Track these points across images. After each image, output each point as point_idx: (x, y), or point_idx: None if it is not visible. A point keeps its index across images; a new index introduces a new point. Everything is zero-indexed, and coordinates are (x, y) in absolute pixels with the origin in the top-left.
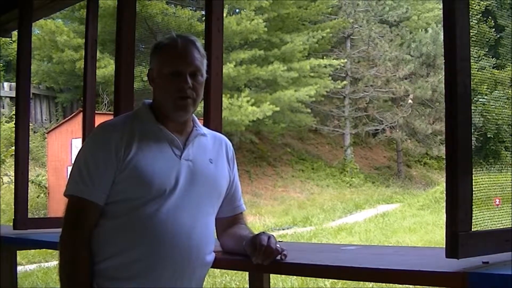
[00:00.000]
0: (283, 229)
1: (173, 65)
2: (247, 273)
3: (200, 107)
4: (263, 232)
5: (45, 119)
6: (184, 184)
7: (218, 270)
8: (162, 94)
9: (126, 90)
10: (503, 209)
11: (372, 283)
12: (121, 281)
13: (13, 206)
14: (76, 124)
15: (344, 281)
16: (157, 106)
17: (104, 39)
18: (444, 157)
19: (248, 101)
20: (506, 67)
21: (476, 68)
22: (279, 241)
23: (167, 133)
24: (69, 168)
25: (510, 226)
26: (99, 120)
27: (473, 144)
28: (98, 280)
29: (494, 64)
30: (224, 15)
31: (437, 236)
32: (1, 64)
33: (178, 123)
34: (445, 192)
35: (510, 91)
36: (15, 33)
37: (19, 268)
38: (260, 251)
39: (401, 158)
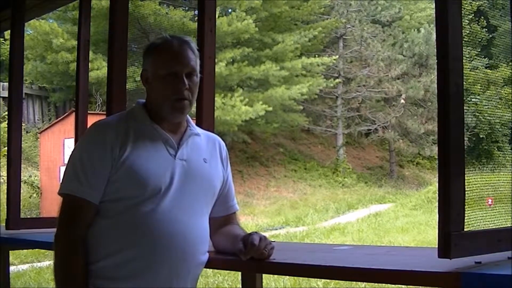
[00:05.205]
0: (276, 229)
1: (169, 66)
2: (239, 273)
3: (193, 107)
4: (255, 232)
5: (37, 119)
6: (178, 184)
7: (211, 270)
8: (158, 96)
9: (119, 90)
10: (496, 209)
11: (364, 283)
12: (116, 281)
13: (5, 206)
14: (68, 124)
15: (337, 281)
16: (151, 106)
17: (97, 39)
18: (437, 157)
19: (241, 101)
20: (499, 67)
21: (468, 68)
22: (272, 241)
23: (161, 133)
24: (62, 168)
25: (502, 226)
26: (91, 120)
27: (465, 144)
28: (93, 280)
29: (486, 64)
30: (216, 16)
31: (430, 236)
32: None
33: (173, 123)
34: (437, 192)
35: (502, 91)
36: (8, 33)
37: (11, 268)
38: (250, 251)
39: (393, 158)
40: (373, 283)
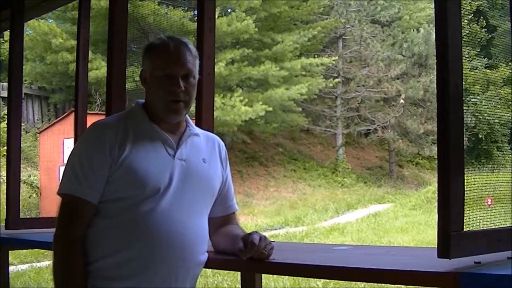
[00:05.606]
0: (275, 229)
1: (165, 68)
2: (239, 273)
3: (192, 107)
4: (256, 232)
5: (37, 119)
6: (177, 184)
7: (210, 270)
8: (154, 97)
9: (118, 90)
10: (495, 209)
11: (364, 283)
12: (115, 281)
13: (5, 206)
14: (68, 124)
15: (336, 281)
16: (150, 106)
17: (96, 39)
18: (436, 157)
19: (241, 101)
20: (498, 67)
21: (468, 68)
22: (271, 241)
23: (160, 133)
24: (61, 168)
25: (502, 226)
26: (91, 120)
27: (465, 144)
28: (92, 280)
29: (486, 64)
30: (216, 16)
31: (429, 236)
32: None
33: (171, 123)
34: (437, 192)
35: (502, 91)
36: (7, 33)
37: (11, 268)
38: (250, 250)
39: (393, 158)
40: (372, 283)
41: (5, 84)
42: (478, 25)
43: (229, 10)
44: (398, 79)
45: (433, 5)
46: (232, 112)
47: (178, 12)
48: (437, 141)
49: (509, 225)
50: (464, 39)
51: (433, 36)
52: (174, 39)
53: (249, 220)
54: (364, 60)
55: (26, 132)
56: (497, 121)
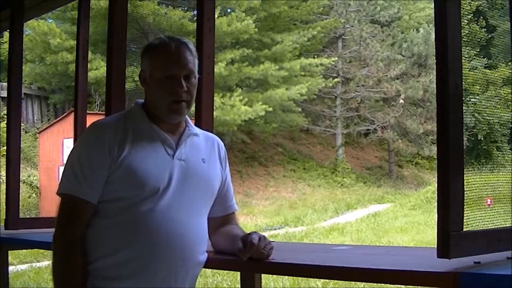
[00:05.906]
0: (275, 229)
1: (166, 69)
2: (238, 273)
3: (191, 108)
4: (255, 232)
5: (36, 119)
6: (177, 184)
7: (210, 270)
8: (155, 97)
9: (118, 90)
10: (495, 209)
11: (363, 283)
12: (115, 281)
13: (4, 206)
14: (67, 124)
15: (336, 281)
16: (149, 106)
17: (96, 39)
18: (436, 157)
19: (241, 101)
20: (498, 67)
21: (467, 68)
22: (271, 241)
23: (160, 133)
24: (61, 168)
25: (501, 226)
26: (90, 120)
27: (464, 144)
28: (91, 279)
29: (485, 64)
30: (216, 16)
31: (429, 236)
32: None
33: (171, 123)
34: (436, 192)
35: (501, 91)
36: (7, 34)
37: (10, 268)
38: (249, 250)
39: (392, 158)
40: (372, 283)
41: (5, 84)
42: (477, 25)
43: (229, 10)
44: (397, 79)
45: (432, 5)
46: (231, 112)
47: (177, 12)
48: (437, 141)
49: (508, 225)
50: (463, 39)
51: (433, 36)
52: (174, 39)
53: (248, 220)
54: (364, 60)
55: (26, 132)
56: (497, 121)
